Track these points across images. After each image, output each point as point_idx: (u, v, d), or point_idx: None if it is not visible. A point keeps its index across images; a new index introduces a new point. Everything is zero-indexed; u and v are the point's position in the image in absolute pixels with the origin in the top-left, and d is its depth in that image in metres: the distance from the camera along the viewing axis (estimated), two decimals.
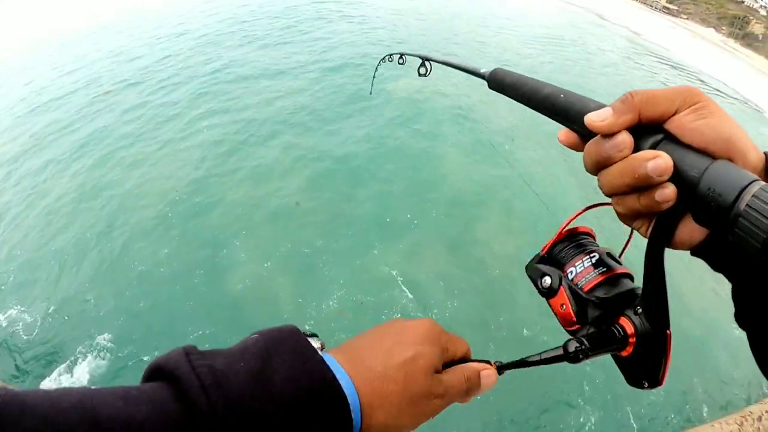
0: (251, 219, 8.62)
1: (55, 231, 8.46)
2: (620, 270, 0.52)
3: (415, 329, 0.51)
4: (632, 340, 0.48)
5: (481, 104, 12.76)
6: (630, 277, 0.52)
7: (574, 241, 0.56)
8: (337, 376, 0.43)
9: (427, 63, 1.03)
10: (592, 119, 0.45)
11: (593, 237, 0.57)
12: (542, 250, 0.57)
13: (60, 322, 6.90)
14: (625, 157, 0.43)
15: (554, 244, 0.56)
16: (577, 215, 0.56)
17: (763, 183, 0.36)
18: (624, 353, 0.49)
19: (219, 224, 8.48)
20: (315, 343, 0.47)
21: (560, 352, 0.50)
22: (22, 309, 7.13)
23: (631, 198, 0.44)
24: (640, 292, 0.48)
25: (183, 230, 8.33)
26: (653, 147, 0.42)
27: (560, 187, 10.17)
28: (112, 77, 14.47)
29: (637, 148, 0.43)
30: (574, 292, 0.52)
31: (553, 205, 9.27)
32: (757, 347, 0.43)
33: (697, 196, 0.39)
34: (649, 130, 0.43)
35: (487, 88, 0.68)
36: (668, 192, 0.40)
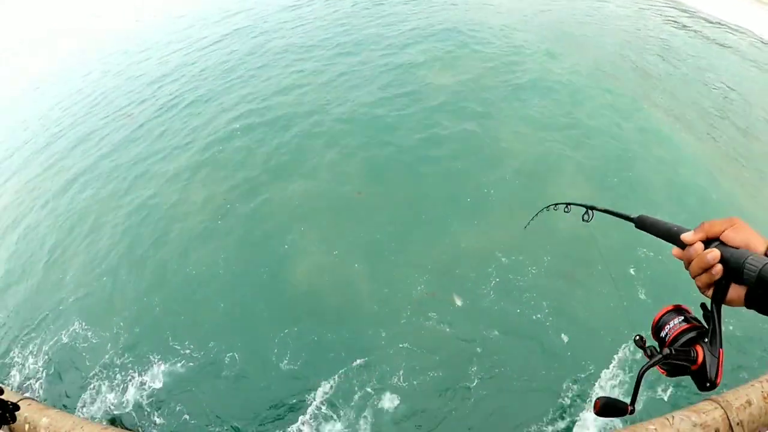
0: (310, 215, 8.33)
1: (107, 249, 8.55)
2: (697, 324, 0.94)
3: None
4: (700, 360, 0.88)
5: None
6: (703, 327, 0.92)
7: (675, 312, 0.98)
8: None
9: (590, 212, 1.40)
10: (684, 237, 0.94)
11: (688, 311, 0.99)
12: (654, 321, 1.02)
13: (127, 333, 6.95)
14: (699, 255, 0.89)
15: (663, 315, 1.00)
16: (667, 310, 1.01)
17: (755, 255, 0.81)
18: (695, 367, 0.88)
19: (275, 224, 8.28)
20: None
21: (659, 356, 0.91)
22: (86, 326, 7.24)
23: (704, 275, 0.87)
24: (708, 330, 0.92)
25: (238, 234, 8.19)
26: (713, 247, 0.87)
27: None
28: (135, 92, 14.55)
29: (706, 249, 0.89)
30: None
31: None
32: None
33: (731, 267, 0.83)
34: (712, 240, 0.90)
35: (634, 228, 1.20)
36: (717, 268, 0.85)
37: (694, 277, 0.88)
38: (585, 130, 10.00)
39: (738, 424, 2.15)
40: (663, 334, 0.94)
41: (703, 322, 0.90)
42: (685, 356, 0.87)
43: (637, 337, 0.96)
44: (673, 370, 0.90)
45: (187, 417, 5.75)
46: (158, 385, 6.16)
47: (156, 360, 6.44)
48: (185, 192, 9.47)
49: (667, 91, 11.75)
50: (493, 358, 5.87)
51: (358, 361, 5.98)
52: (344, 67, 13.44)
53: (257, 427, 5.55)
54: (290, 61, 14.38)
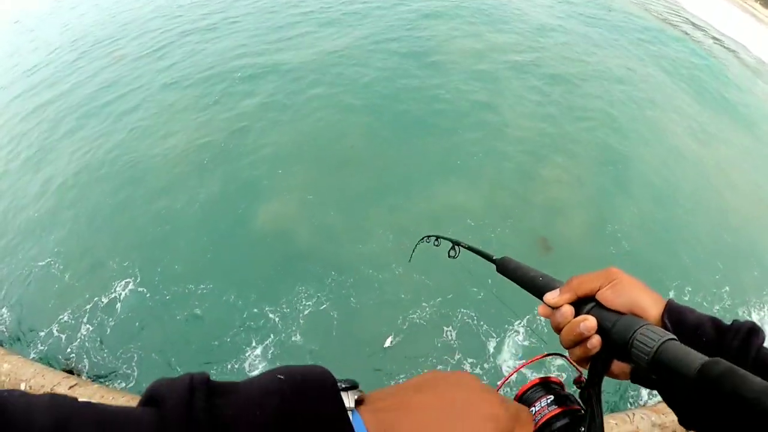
0: (297, 159, 8.50)
1: (87, 181, 8.57)
2: (574, 407, 0.66)
3: (482, 411, 0.43)
4: None
5: None
6: (580, 410, 0.66)
7: (542, 387, 0.71)
8: None
9: (456, 247, 1.27)
10: (547, 299, 0.71)
11: (561, 385, 0.72)
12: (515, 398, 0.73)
13: (99, 267, 7.06)
14: (569, 322, 0.66)
15: (526, 391, 0.72)
16: (533, 360, 0.82)
17: (648, 325, 0.58)
18: None
19: (262, 164, 8.42)
20: (349, 399, 0.38)
21: None
22: (57, 258, 7.25)
23: (577, 348, 0.66)
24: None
25: (222, 172, 8.29)
26: (588, 312, 0.66)
27: None
28: (128, 27, 14.14)
29: (578, 313, 0.67)
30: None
31: None
32: None
33: (611, 340, 0.62)
34: (585, 300, 0.68)
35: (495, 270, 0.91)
36: (594, 341, 0.63)
37: (567, 348, 0.68)
38: None
39: None
40: None
41: (580, 402, 0.68)
42: None
43: None
44: None
45: (151, 349, 6.02)
46: (123, 316, 6.40)
47: (124, 293, 6.60)
48: (175, 128, 9.43)
49: None
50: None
51: (318, 295, 6.57)
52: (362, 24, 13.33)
53: (229, 339, 6.08)
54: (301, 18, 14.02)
